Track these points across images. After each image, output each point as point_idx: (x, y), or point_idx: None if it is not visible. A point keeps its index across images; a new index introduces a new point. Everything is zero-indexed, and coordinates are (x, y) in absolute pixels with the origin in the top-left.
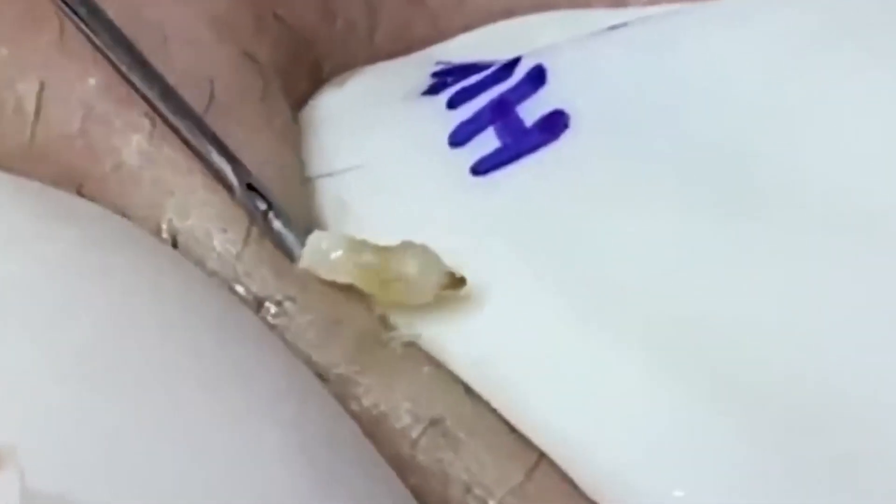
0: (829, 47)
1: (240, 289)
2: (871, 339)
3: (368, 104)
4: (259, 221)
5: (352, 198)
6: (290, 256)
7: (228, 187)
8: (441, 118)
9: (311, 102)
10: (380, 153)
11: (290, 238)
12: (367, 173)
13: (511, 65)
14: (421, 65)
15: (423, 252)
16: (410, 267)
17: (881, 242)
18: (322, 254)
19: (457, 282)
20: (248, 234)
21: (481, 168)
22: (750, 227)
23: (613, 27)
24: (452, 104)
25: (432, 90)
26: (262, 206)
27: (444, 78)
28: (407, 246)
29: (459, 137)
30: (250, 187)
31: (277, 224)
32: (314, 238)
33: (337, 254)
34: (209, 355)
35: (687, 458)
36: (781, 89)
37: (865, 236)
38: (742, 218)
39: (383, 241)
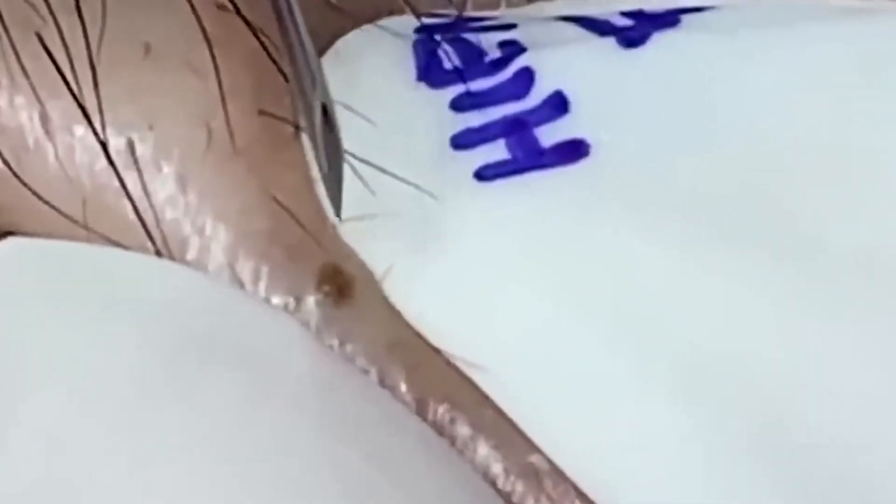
0: (867, 85)
1: None
2: None
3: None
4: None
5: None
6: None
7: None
8: (443, 118)
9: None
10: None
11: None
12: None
13: (523, 79)
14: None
15: None
16: None
17: None
18: None
19: None
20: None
21: (486, 174)
22: (773, 267)
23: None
24: (458, 107)
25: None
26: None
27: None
28: None
29: (464, 141)
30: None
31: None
32: None
33: None
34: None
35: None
36: (813, 128)
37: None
38: (763, 257)
39: None
